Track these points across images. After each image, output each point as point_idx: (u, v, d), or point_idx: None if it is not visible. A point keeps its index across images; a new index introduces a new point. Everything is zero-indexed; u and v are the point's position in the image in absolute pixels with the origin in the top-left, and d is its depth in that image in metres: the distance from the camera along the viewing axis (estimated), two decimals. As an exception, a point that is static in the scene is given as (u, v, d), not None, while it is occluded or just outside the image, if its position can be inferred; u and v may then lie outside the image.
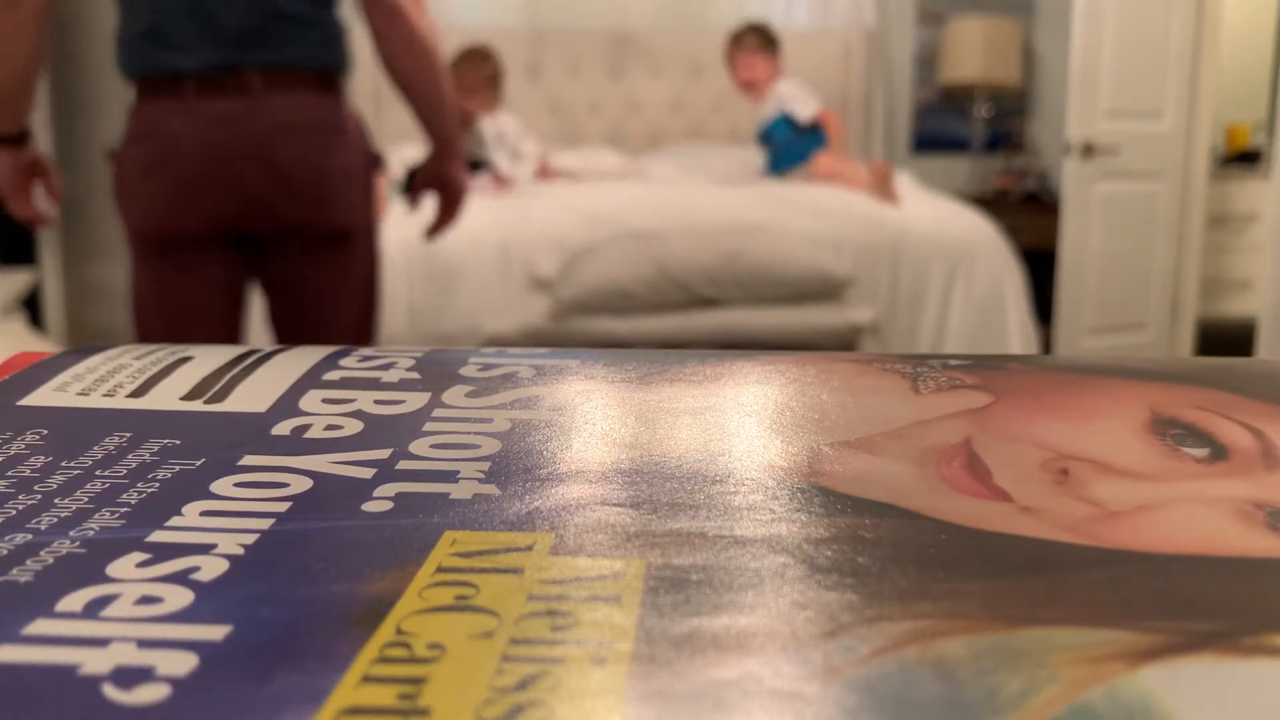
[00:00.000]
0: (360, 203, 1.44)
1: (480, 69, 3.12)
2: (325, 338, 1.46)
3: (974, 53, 3.96)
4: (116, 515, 0.17)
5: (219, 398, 0.23)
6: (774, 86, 3.31)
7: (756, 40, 3.32)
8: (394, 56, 1.42)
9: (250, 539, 0.16)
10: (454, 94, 1.49)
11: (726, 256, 2.48)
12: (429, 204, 1.81)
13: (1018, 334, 2.62)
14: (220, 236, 1.41)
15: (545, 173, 3.33)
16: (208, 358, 0.25)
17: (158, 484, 0.18)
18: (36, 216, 1.43)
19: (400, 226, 2.44)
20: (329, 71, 1.40)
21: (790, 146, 3.25)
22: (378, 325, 1.54)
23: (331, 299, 1.46)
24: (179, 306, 1.43)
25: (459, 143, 1.51)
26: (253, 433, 0.21)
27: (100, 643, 0.13)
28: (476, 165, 3.10)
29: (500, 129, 3.17)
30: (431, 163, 1.51)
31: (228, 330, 1.47)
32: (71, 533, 0.16)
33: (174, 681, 0.12)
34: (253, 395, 0.23)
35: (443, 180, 1.52)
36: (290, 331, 1.48)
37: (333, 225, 1.42)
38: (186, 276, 1.42)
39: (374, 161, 1.47)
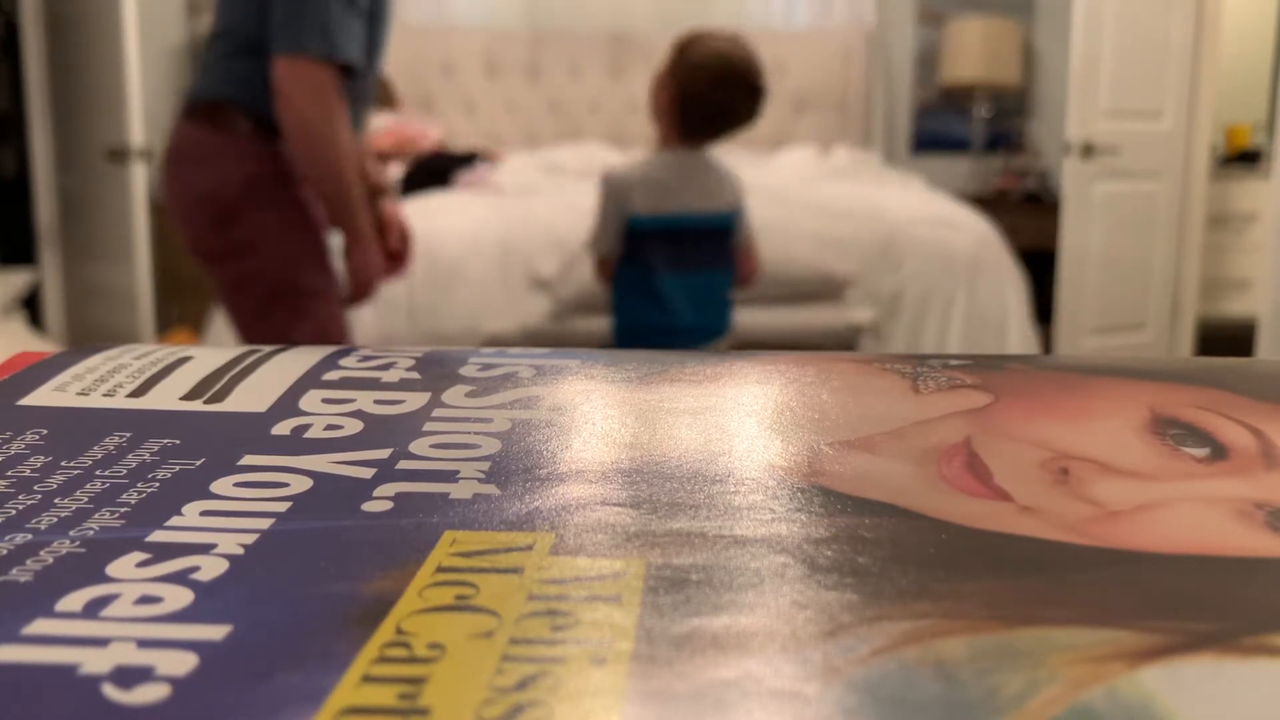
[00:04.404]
0: (207, 228, 1.46)
1: None
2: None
3: (974, 53, 3.96)
4: (116, 515, 0.17)
5: (219, 397, 0.23)
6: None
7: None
8: (290, 142, 1.43)
9: (250, 539, 0.16)
10: (350, 180, 1.46)
11: (726, 256, 2.48)
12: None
13: (1019, 346, 2.62)
14: None
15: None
16: (207, 358, 0.25)
17: (158, 484, 0.18)
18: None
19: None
20: (212, 102, 1.45)
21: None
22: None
23: (230, 318, 1.54)
24: None
25: (360, 226, 1.49)
26: (253, 432, 0.21)
27: (100, 643, 0.13)
28: (467, 160, 3.09)
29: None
30: (345, 247, 1.51)
31: None
32: (71, 533, 0.16)
33: (174, 681, 0.12)
34: (253, 395, 0.23)
35: (351, 266, 1.52)
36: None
37: (193, 251, 1.50)
38: None
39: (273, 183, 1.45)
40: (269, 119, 1.44)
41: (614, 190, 1.65)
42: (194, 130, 1.46)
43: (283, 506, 0.17)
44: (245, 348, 0.26)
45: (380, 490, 0.18)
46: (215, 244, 1.48)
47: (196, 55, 3.69)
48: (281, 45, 1.39)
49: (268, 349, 0.26)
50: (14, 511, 0.17)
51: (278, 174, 1.47)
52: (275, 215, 1.47)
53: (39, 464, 0.19)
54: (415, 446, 0.20)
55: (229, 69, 1.45)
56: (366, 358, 0.25)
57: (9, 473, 0.19)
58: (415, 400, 0.23)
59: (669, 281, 1.63)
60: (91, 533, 0.16)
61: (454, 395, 0.23)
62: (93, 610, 0.14)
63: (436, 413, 0.22)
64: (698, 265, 1.63)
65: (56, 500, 0.18)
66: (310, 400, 0.23)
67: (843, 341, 2.55)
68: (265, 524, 0.17)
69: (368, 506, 0.17)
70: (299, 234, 1.49)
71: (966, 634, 0.13)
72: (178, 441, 0.20)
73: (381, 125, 3.32)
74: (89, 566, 0.15)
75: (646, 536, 0.16)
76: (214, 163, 1.45)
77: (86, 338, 3.22)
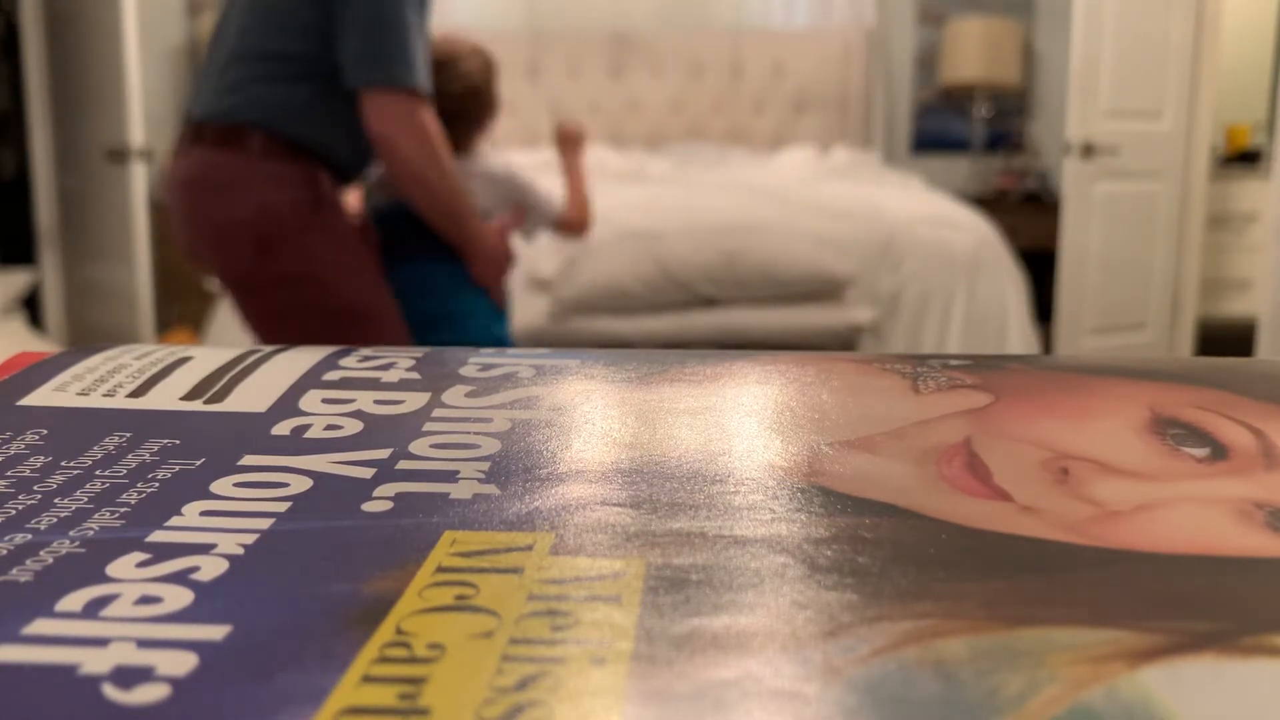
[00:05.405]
0: (250, 256, 1.42)
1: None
2: None
3: (974, 53, 3.96)
4: (116, 515, 0.17)
5: (219, 398, 0.23)
6: None
7: None
8: (396, 179, 1.47)
9: (250, 539, 0.16)
10: (461, 201, 1.50)
11: (726, 256, 2.48)
12: None
13: (1019, 346, 2.62)
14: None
15: None
16: (207, 358, 0.25)
17: (158, 484, 0.18)
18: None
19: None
20: (238, 126, 1.40)
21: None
22: None
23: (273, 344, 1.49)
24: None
25: (476, 245, 1.56)
26: (253, 433, 0.21)
27: (100, 643, 0.13)
28: None
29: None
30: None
31: None
32: (71, 533, 0.16)
33: (174, 681, 0.12)
34: (253, 395, 0.23)
35: (479, 277, 1.60)
36: None
37: (228, 279, 1.46)
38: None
39: (307, 207, 1.43)
40: (306, 144, 1.40)
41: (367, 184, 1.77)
42: (223, 156, 1.40)
43: (283, 506, 0.17)
44: (246, 348, 0.26)
45: (380, 490, 0.18)
46: (258, 272, 1.43)
47: (197, 62, 3.69)
48: (367, 78, 1.36)
49: (268, 349, 0.26)
50: (14, 511, 0.17)
51: (320, 198, 1.43)
52: (323, 240, 1.44)
53: (39, 464, 0.19)
54: (415, 446, 0.20)
55: (262, 93, 1.39)
56: (366, 358, 0.25)
57: (9, 473, 0.19)
58: (415, 400, 0.23)
59: (392, 269, 1.69)
60: (91, 533, 0.16)
61: (454, 395, 0.23)
62: (93, 610, 0.14)
63: (436, 413, 0.22)
64: (413, 255, 1.67)
65: (56, 500, 0.18)
66: (310, 400, 0.23)
67: (843, 341, 2.55)
68: (265, 524, 0.17)
69: (368, 506, 0.17)
70: (349, 257, 1.47)
71: (966, 634, 0.13)
72: (178, 441, 0.20)
73: None
74: (89, 566, 0.15)
75: (646, 536, 0.16)
76: (253, 189, 1.40)
77: (86, 338, 3.22)
